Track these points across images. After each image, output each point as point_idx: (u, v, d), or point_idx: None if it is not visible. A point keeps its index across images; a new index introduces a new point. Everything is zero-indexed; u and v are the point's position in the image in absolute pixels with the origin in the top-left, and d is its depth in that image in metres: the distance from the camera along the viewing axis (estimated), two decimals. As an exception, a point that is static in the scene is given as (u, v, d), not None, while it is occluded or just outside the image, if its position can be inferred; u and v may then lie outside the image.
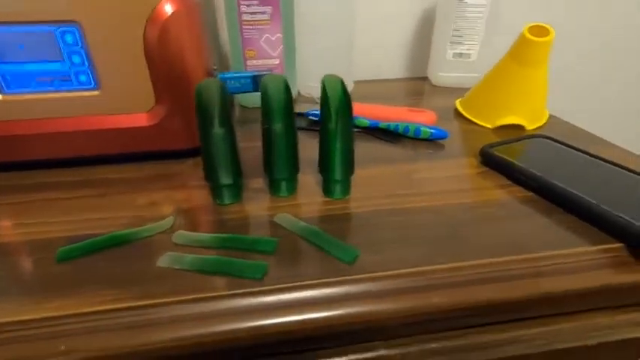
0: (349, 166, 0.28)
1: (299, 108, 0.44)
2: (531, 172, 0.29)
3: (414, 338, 0.23)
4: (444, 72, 0.57)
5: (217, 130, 0.25)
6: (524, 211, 0.28)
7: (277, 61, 0.47)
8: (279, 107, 0.26)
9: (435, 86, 0.59)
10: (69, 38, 0.29)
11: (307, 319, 0.20)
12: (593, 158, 0.32)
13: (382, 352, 0.23)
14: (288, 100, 0.26)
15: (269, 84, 0.26)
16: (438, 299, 0.21)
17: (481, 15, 0.52)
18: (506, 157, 0.32)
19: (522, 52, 0.38)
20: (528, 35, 0.36)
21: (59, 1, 0.28)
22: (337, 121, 0.26)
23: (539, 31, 0.37)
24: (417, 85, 0.61)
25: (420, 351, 0.23)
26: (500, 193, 0.30)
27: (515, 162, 0.31)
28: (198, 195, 0.30)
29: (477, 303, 0.22)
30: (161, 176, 0.33)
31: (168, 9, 0.29)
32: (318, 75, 0.50)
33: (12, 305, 0.20)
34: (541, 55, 0.37)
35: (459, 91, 0.54)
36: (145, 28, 0.29)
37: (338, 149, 0.27)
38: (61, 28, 0.29)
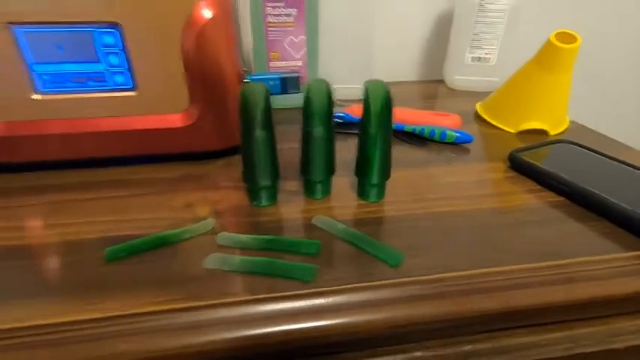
0: (386, 171, 0.28)
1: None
2: (563, 177, 0.30)
3: (448, 340, 0.24)
4: (461, 75, 0.58)
5: (259, 133, 0.26)
6: (557, 217, 0.28)
7: (300, 63, 0.47)
8: (321, 111, 0.26)
9: (451, 89, 0.60)
10: (108, 39, 0.30)
11: (359, 322, 0.21)
12: (620, 164, 0.32)
13: (418, 354, 0.23)
14: (330, 104, 0.26)
15: (312, 88, 0.26)
16: (478, 304, 0.22)
17: (501, 20, 0.52)
18: (535, 162, 0.33)
19: (548, 58, 0.38)
20: (555, 42, 0.37)
21: (100, 3, 0.28)
22: (378, 127, 0.26)
23: (566, 37, 0.37)
24: (433, 88, 0.61)
25: (455, 354, 0.24)
26: (530, 198, 0.31)
27: (546, 167, 0.32)
28: (233, 196, 0.31)
29: (513, 308, 0.22)
30: (194, 177, 0.33)
31: (207, 14, 0.30)
32: (340, 77, 0.51)
33: (64, 306, 0.20)
34: (567, 62, 0.38)
35: (476, 94, 0.55)
36: (183, 31, 0.30)
37: (377, 154, 0.27)
38: (99, 29, 0.29)
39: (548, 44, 0.38)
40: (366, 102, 0.26)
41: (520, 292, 0.22)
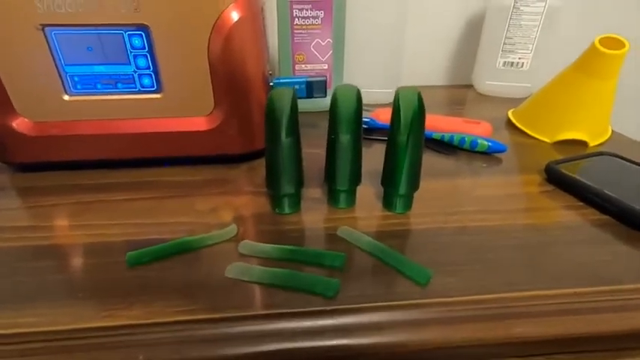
0: (415, 182, 0.27)
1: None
2: (608, 193, 0.28)
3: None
4: (492, 80, 0.55)
5: (285, 139, 0.25)
6: (602, 237, 0.26)
7: (326, 66, 0.47)
8: (348, 119, 0.25)
9: (480, 95, 0.57)
10: (136, 42, 0.30)
11: (381, 343, 0.20)
12: (671, 181, 0.30)
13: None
14: (359, 111, 0.25)
15: (340, 93, 0.25)
16: (519, 329, 0.20)
17: (536, 24, 0.50)
18: (575, 175, 0.31)
19: (592, 63, 0.36)
20: (600, 47, 0.34)
21: (130, 6, 0.28)
22: (409, 135, 0.25)
23: (612, 43, 0.35)
24: (461, 93, 0.59)
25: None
26: (571, 215, 0.29)
27: (588, 181, 0.29)
28: (256, 202, 0.30)
29: (559, 335, 0.20)
30: (217, 181, 0.33)
31: (235, 16, 0.29)
32: (366, 81, 0.49)
33: (88, 310, 0.20)
34: (612, 68, 0.35)
35: (506, 101, 0.53)
36: (211, 34, 0.29)
37: (406, 164, 0.26)
38: (129, 32, 0.29)
39: (593, 49, 0.35)
40: (397, 109, 0.25)
41: (563, 319, 0.20)
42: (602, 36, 0.35)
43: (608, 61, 0.35)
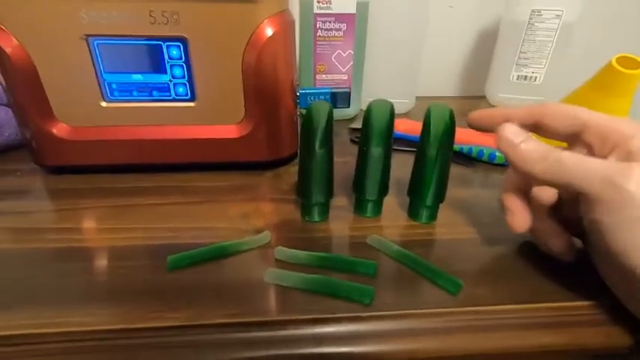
0: (441, 194, 0.28)
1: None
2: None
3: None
4: (505, 93, 0.57)
5: (318, 151, 0.26)
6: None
7: (346, 77, 0.48)
8: (380, 132, 0.26)
9: (493, 107, 0.59)
10: (174, 52, 0.31)
11: (417, 349, 0.20)
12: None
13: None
14: (391, 126, 0.26)
15: (375, 108, 0.26)
16: (549, 338, 0.21)
17: (551, 39, 0.51)
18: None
19: (607, 82, 0.37)
20: (617, 66, 0.36)
21: (171, 18, 0.29)
22: (438, 149, 0.26)
23: (628, 62, 0.36)
24: (474, 105, 0.60)
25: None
26: (589, 229, 0.30)
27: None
28: (284, 209, 0.31)
29: (589, 345, 0.21)
30: (246, 187, 0.34)
31: (269, 31, 0.30)
32: (383, 92, 0.51)
33: (135, 311, 0.21)
34: (628, 87, 0.37)
35: (520, 113, 0.54)
36: (246, 47, 0.31)
37: (434, 177, 0.27)
38: (168, 42, 0.30)
39: (609, 68, 0.36)
40: (427, 123, 0.26)
41: (592, 330, 0.21)
42: (619, 55, 0.36)
43: (624, 80, 0.36)
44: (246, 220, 0.29)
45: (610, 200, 0.18)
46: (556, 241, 0.24)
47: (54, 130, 0.32)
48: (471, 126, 0.26)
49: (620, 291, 0.21)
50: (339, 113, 0.48)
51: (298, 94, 0.37)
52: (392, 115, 0.26)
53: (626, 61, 0.36)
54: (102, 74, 0.31)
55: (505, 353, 0.21)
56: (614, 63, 0.36)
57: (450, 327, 0.21)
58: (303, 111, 0.29)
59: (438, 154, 0.26)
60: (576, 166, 0.20)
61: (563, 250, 0.24)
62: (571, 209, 0.24)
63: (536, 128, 0.24)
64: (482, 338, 0.21)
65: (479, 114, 0.26)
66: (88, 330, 0.20)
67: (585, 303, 0.22)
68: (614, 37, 0.63)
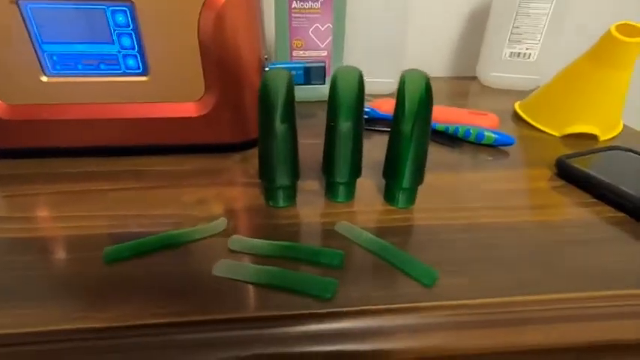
0: (419, 175, 0.25)
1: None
2: (625, 190, 0.26)
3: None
4: (497, 72, 0.53)
5: (280, 126, 0.23)
6: (618, 236, 0.24)
7: (325, 53, 0.44)
8: (349, 104, 0.23)
9: (484, 87, 0.55)
10: (120, 18, 0.27)
11: (383, 350, 0.18)
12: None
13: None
14: (361, 96, 0.23)
15: (341, 76, 0.23)
16: (531, 336, 0.18)
17: (546, 12, 0.48)
18: (588, 170, 0.29)
19: (606, 52, 0.34)
20: (616, 34, 0.32)
21: (113, -22, 0.26)
22: (414, 124, 0.23)
23: (628, 30, 0.33)
24: (464, 85, 0.57)
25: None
26: (584, 212, 0.27)
27: (602, 177, 0.28)
28: (248, 194, 0.28)
29: (575, 344, 0.19)
30: (207, 171, 0.31)
31: (228, -9, 0.27)
32: (367, 69, 0.47)
33: (55, 312, 0.18)
34: (629, 58, 0.33)
35: (512, 93, 0.51)
36: (201, 11, 0.27)
37: (410, 155, 0.24)
38: (112, 7, 0.27)
39: (608, 37, 0.33)
40: (401, 94, 0.23)
41: (581, 325, 0.19)
42: (619, 23, 0.33)
43: (624, 50, 0.33)
44: (203, 206, 0.26)
45: None
46: None
47: (-12, 109, 0.28)
48: None
49: None
50: (316, 93, 0.45)
51: (267, 69, 0.34)
52: (361, 84, 0.23)
53: (626, 29, 0.33)
54: (40, 44, 0.28)
55: (485, 353, 0.18)
56: (613, 31, 0.33)
57: (423, 324, 0.19)
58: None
59: (413, 129, 0.23)
60: None
61: None
62: None
63: None
64: (460, 336, 0.18)
65: None
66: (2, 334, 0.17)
67: (583, 295, 0.20)
68: (612, 8, 0.60)
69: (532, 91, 0.46)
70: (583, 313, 0.19)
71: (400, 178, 0.25)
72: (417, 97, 0.22)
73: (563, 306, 0.19)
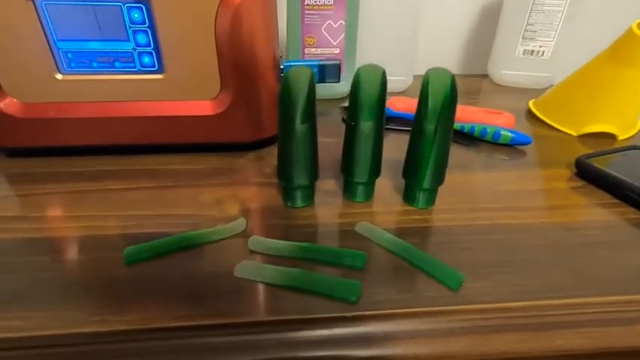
0: (440, 175, 0.25)
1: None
2: (649, 191, 0.26)
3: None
4: (509, 70, 0.53)
5: (300, 126, 0.23)
6: (643, 238, 0.24)
7: (337, 51, 0.44)
8: (371, 104, 0.23)
9: (497, 85, 0.55)
10: (136, 15, 0.27)
11: (412, 354, 0.17)
12: None
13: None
14: (383, 97, 0.23)
15: (364, 75, 0.22)
16: (561, 341, 0.18)
17: (561, 8, 0.47)
18: (610, 170, 0.28)
19: (627, 50, 0.33)
20: (637, 32, 0.32)
21: (129, -26, 0.25)
22: (437, 124, 0.22)
23: (650, 28, 0.32)
24: (476, 83, 0.57)
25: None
26: (607, 213, 0.26)
27: (625, 177, 0.27)
28: (265, 193, 0.28)
29: (605, 348, 0.18)
30: (224, 170, 0.30)
31: (245, -12, 0.26)
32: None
33: (72, 314, 0.18)
34: (649, 57, 0.33)
35: (525, 91, 0.50)
36: (218, 9, 0.27)
37: (433, 155, 0.23)
38: (128, 4, 0.26)
39: (629, 34, 0.33)
40: (425, 93, 0.22)
41: (607, 330, 0.18)
42: (640, 20, 0.33)
43: (645, 48, 0.32)
44: (220, 206, 0.26)
45: None
46: None
47: (2, 107, 0.28)
48: None
49: None
50: (330, 91, 0.44)
51: (282, 67, 0.34)
52: (384, 83, 0.22)
53: (647, 28, 0.32)
54: (55, 42, 0.27)
55: (513, 358, 0.18)
56: (635, 29, 0.32)
57: (450, 328, 0.18)
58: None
59: (437, 129, 0.22)
60: None
61: None
62: None
63: None
64: (488, 341, 0.18)
65: None
66: (13, 337, 0.17)
67: (611, 299, 0.19)
68: (630, 5, 0.59)
69: (545, 89, 0.45)
70: (610, 317, 0.19)
71: (421, 178, 0.24)
72: (441, 97, 0.22)
73: (588, 310, 0.19)
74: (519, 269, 0.21)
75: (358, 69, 0.23)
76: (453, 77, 0.22)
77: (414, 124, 0.24)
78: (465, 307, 0.19)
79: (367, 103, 0.22)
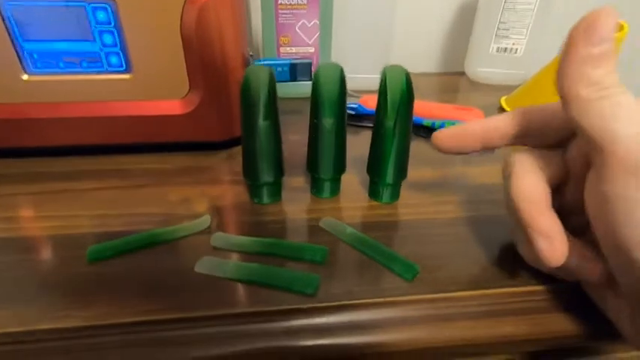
0: (402, 170, 0.25)
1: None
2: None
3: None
4: (484, 67, 0.54)
5: (262, 123, 0.23)
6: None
7: (312, 49, 0.44)
8: (331, 101, 0.23)
9: (473, 82, 0.56)
10: (101, 15, 0.27)
11: (366, 343, 0.18)
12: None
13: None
14: (343, 92, 0.23)
15: (323, 73, 0.23)
16: (509, 328, 0.19)
17: (531, 7, 0.48)
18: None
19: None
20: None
21: (92, -26, 0.25)
22: (396, 120, 0.23)
23: (610, 25, 0.33)
24: (453, 81, 0.58)
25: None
26: (565, 205, 0.27)
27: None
28: (234, 191, 0.28)
29: (551, 333, 0.19)
30: (193, 169, 0.31)
31: (210, -13, 0.27)
32: (354, 65, 0.47)
33: (36, 311, 0.18)
34: (609, 53, 0.34)
35: (500, 88, 0.51)
36: (184, 7, 0.27)
37: (393, 151, 0.24)
38: (92, 4, 0.27)
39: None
40: (383, 90, 0.23)
41: (556, 316, 0.19)
42: (600, 18, 0.34)
43: (605, 45, 0.33)
44: (188, 204, 0.26)
45: None
46: (591, 267, 0.17)
47: (-33, 108, 0.28)
48: (445, 150, 0.22)
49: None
50: (302, 89, 0.45)
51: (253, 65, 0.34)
52: (342, 81, 0.23)
53: (607, 25, 0.33)
54: (20, 42, 0.27)
55: (465, 345, 0.19)
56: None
57: (403, 317, 0.19)
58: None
59: (395, 125, 0.23)
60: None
61: (601, 277, 0.17)
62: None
63: (523, 136, 0.20)
64: (440, 328, 0.19)
65: (450, 135, 0.21)
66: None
67: (548, 287, 0.20)
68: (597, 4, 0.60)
69: (518, 86, 0.46)
70: (549, 305, 0.20)
71: (383, 174, 0.25)
72: (398, 93, 0.22)
73: (534, 298, 0.20)
74: (473, 261, 0.22)
75: (317, 67, 0.23)
76: (407, 74, 0.22)
77: (375, 122, 0.24)
78: (417, 297, 0.19)
79: (327, 100, 0.23)
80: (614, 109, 0.15)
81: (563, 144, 0.19)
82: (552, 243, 0.17)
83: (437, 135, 0.22)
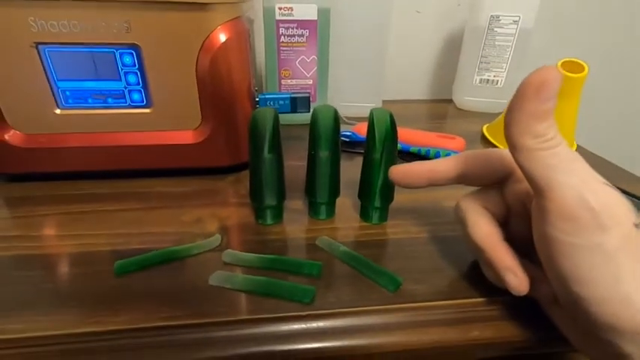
0: (389, 195, 0.29)
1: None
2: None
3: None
4: (469, 96, 0.58)
5: (267, 156, 0.27)
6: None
7: (311, 82, 0.49)
8: (326, 136, 0.27)
9: (460, 110, 0.60)
10: (127, 59, 0.31)
11: (356, 345, 0.21)
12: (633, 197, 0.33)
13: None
14: (336, 129, 0.27)
15: (320, 113, 0.27)
16: (477, 332, 0.22)
17: (509, 44, 0.53)
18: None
19: (555, 86, 0.39)
20: (562, 70, 0.37)
21: (122, 27, 0.29)
22: (382, 153, 0.27)
23: (573, 66, 0.38)
24: (442, 108, 0.62)
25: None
26: (533, 226, 0.31)
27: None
28: (240, 213, 0.31)
29: (510, 338, 0.22)
30: (204, 192, 0.34)
31: (222, 37, 0.31)
32: (349, 95, 0.52)
33: (75, 317, 0.21)
34: (574, 90, 0.38)
35: (485, 115, 0.55)
36: (199, 53, 0.31)
37: (380, 179, 0.28)
38: (120, 50, 0.31)
39: (555, 72, 0.38)
40: (371, 128, 0.27)
41: (516, 323, 0.23)
42: (564, 60, 0.38)
43: (570, 83, 0.38)
44: (200, 224, 0.30)
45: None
46: (543, 288, 0.20)
47: (7, 138, 0.32)
48: (397, 183, 0.25)
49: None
50: (302, 117, 0.49)
51: (257, 99, 0.38)
52: (336, 120, 0.27)
53: (571, 66, 0.38)
54: (55, 81, 0.31)
55: (438, 347, 0.22)
56: (559, 67, 0.38)
57: (386, 323, 0.22)
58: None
59: (382, 157, 0.27)
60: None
61: (551, 297, 0.20)
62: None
63: (463, 178, 0.23)
64: (418, 333, 0.22)
65: (402, 171, 0.24)
66: (23, 337, 0.20)
67: (509, 298, 0.23)
68: (569, 43, 0.66)
69: (501, 113, 0.50)
70: (511, 313, 0.23)
71: (373, 198, 0.29)
72: (383, 131, 0.26)
73: (497, 307, 0.23)
74: (447, 274, 0.25)
75: (314, 108, 0.27)
76: (391, 115, 0.26)
77: (364, 154, 0.28)
78: (399, 306, 0.23)
79: (324, 135, 0.27)
80: (554, 160, 0.17)
81: (501, 182, 0.23)
82: (517, 274, 0.20)
83: (392, 170, 0.25)
